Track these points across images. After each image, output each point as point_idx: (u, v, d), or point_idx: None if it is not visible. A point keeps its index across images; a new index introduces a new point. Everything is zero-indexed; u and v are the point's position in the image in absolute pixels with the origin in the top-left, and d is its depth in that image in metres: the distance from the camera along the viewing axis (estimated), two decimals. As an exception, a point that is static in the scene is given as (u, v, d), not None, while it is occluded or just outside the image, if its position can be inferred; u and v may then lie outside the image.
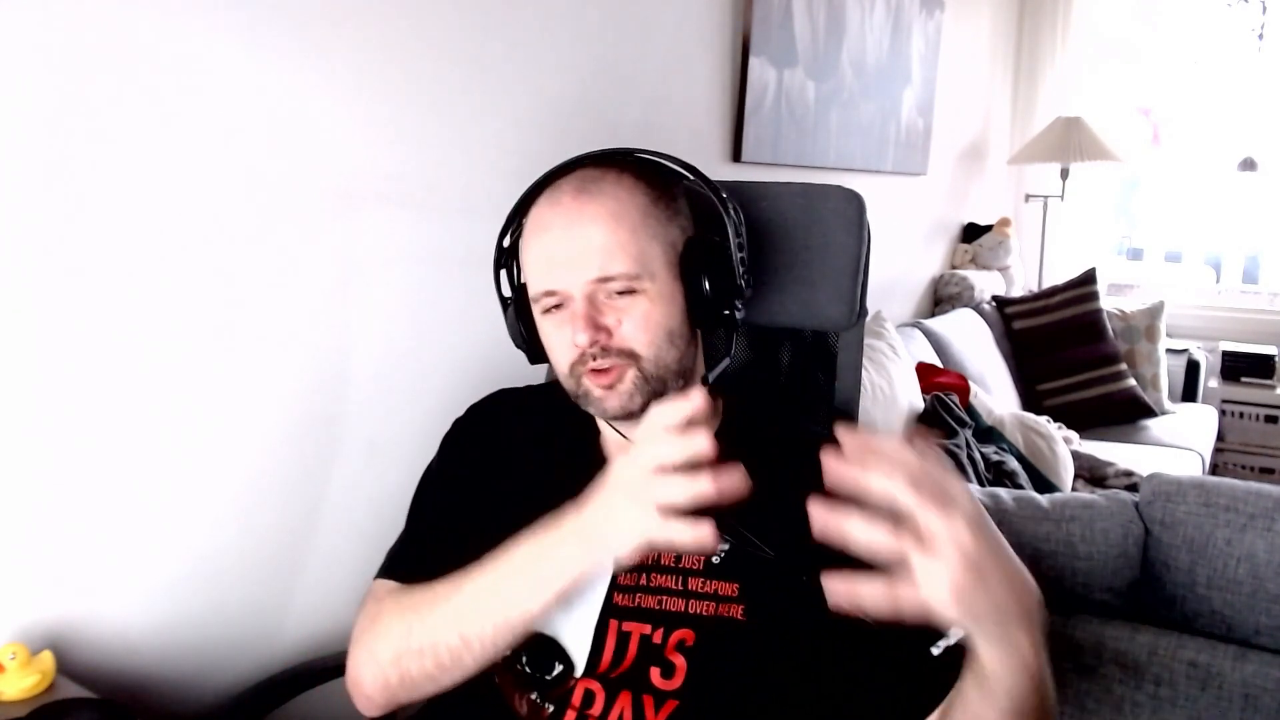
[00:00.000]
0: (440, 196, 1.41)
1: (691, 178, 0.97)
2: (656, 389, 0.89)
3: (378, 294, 1.35)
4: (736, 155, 2.18)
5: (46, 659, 0.98)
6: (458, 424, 1.06)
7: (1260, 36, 4.13)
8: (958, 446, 2.28)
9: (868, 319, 2.47)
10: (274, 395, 1.23)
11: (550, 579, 0.77)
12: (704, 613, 0.86)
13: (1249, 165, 4.07)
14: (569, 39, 1.62)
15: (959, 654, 0.80)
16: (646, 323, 0.88)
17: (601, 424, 0.98)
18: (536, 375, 1.28)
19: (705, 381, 0.95)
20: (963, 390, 2.56)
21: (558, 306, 0.89)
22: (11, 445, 0.99)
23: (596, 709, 0.85)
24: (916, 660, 0.76)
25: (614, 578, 0.89)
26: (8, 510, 0.99)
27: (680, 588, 0.88)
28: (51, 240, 0.99)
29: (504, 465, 1.00)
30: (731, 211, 0.94)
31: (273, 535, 1.26)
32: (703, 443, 0.69)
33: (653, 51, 1.87)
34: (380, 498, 1.34)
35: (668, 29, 1.90)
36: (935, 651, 0.79)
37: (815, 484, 0.89)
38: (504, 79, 1.49)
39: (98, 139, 1.01)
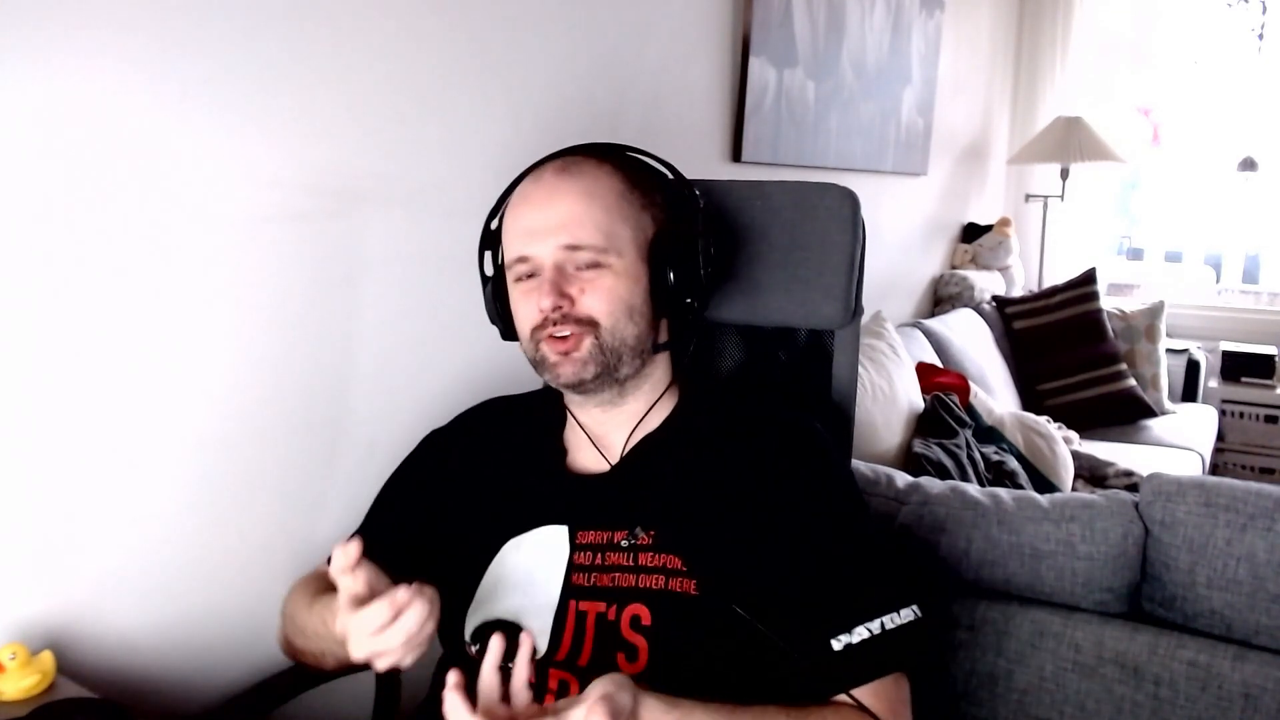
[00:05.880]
0: (440, 197, 1.41)
1: (670, 175, 1.03)
2: (611, 361, 0.94)
3: (378, 294, 1.35)
4: (736, 155, 2.18)
5: (46, 659, 0.98)
6: (434, 433, 1.12)
7: (1260, 36, 4.13)
8: (958, 446, 2.27)
9: (867, 319, 2.48)
10: (274, 395, 1.23)
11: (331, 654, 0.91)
12: (654, 586, 0.90)
13: (1249, 165, 4.07)
14: (569, 39, 1.62)
15: (865, 653, 0.85)
16: (609, 295, 0.93)
17: (568, 415, 1.04)
18: (532, 376, 1.28)
19: (655, 350, 1.01)
20: (963, 390, 2.56)
21: (529, 276, 0.95)
22: (11, 445, 0.99)
23: (573, 692, 0.88)
24: (817, 649, 0.85)
25: (571, 560, 0.93)
26: (8, 510, 0.99)
27: (631, 563, 0.92)
28: (57, 245, 0.99)
29: (466, 471, 1.07)
30: (702, 209, 1.00)
31: (273, 535, 1.26)
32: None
33: (652, 51, 1.87)
34: (380, 498, 1.34)
35: (667, 29, 1.90)
36: (836, 646, 0.84)
37: (760, 466, 0.94)
38: (503, 79, 1.49)
39: (98, 141, 1.01)
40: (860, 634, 0.86)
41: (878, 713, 0.85)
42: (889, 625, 0.86)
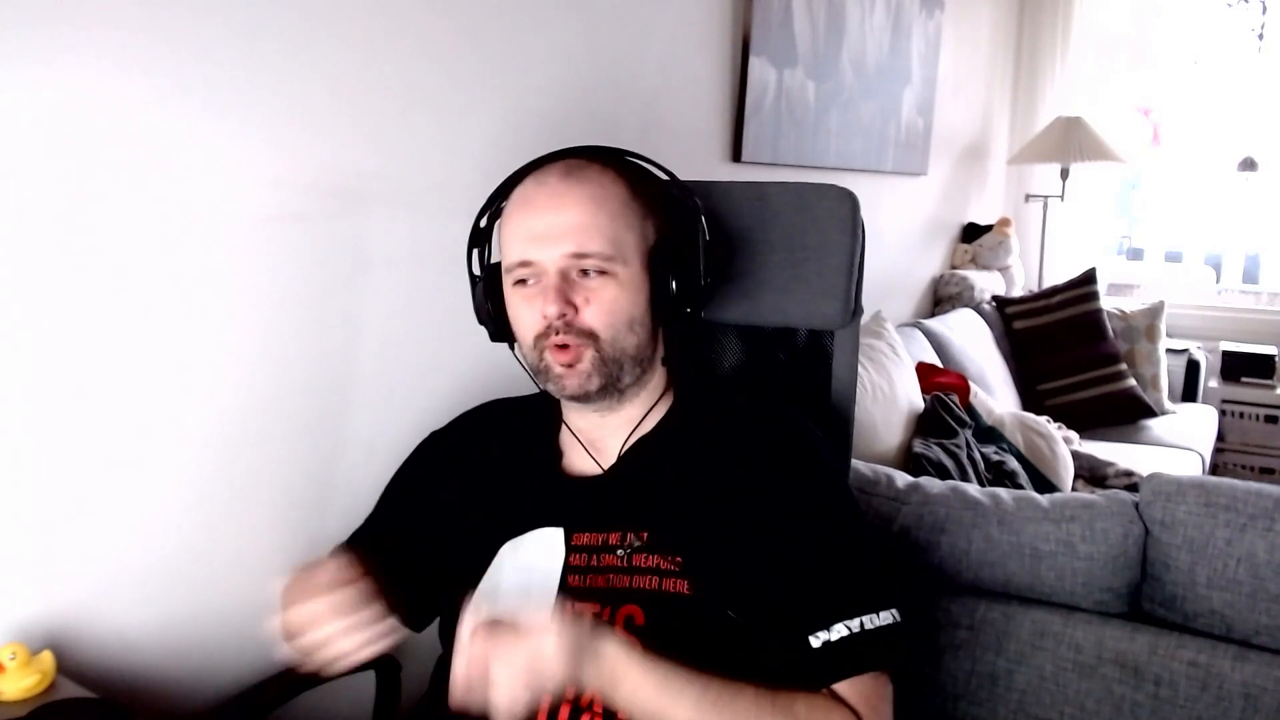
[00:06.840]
0: (440, 198, 1.41)
1: (668, 180, 1.02)
2: (613, 371, 0.95)
3: (379, 294, 1.35)
4: (736, 155, 2.18)
5: (46, 659, 0.98)
6: (433, 434, 1.12)
7: (1260, 36, 4.13)
8: (958, 446, 2.27)
9: (867, 319, 2.48)
10: (275, 395, 1.23)
11: None
12: (647, 587, 0.90)
13: (1249, 165, 4.07)
14: (568, 39, 1.62)
15: (843, 651, 0.86)
16: (612, 306, 0.93)
17: (565, 417, 1.04)
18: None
19: (664, 364, 1.02)
20: (963, 390, 2.56)
21: (530, 280, 0.94)
22: (11, 445, 0.99)
23: (570, 693, 0.87)
24: (795, 646, 0.86)
25: (567, 561, 0.94)
26: (8, 510, 0.99)
27: (625, 564, 0.92)
28: (57, 245, 0.99)
29: (465, 473, 1.06)
30: (702, 216, 1.00)
31: (273, 535, 1.26)
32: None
33: (652, 51, 1.87)
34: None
35: (667, 29, 1.90)
36: (815, 643, 0.85)
37: (750, 466, 0.94)
38: (503, 80, 1.49)
39: (99, 142, 1.01)
40: (839, 631, 0.86)
41: (855, 708, 0.86)
42: (868, 625, 0.87)
